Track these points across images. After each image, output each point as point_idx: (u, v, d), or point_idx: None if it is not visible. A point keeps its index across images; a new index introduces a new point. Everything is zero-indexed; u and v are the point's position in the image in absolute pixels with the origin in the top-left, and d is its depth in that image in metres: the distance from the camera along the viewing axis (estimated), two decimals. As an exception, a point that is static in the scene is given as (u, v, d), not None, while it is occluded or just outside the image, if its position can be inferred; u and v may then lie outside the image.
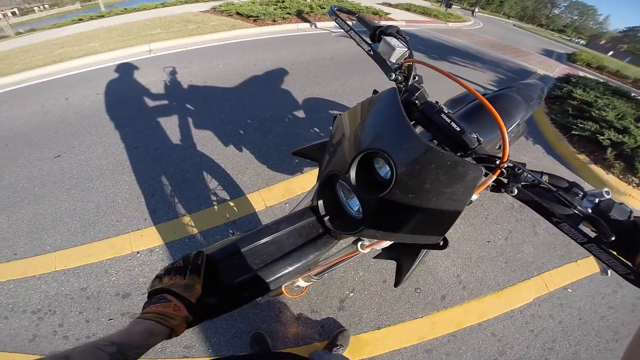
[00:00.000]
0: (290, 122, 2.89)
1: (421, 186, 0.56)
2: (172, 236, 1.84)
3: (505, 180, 0.61)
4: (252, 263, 0.67)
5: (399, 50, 0.84)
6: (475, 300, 1.75)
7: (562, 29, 77.63)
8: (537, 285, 1.90)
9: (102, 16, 10.53)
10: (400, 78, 0.82)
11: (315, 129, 2.80)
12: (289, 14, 7.83)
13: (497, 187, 0.63)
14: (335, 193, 0.75)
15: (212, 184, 2.18)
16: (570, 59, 11.40)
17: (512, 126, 1.23)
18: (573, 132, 3.36)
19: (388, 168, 0.60)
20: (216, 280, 0.63)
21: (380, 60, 0.84)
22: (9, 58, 5.22)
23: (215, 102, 3.23)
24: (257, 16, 7.20)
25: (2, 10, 32.52)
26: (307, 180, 2.29)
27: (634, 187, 2.89)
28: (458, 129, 0.64)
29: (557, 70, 8.23)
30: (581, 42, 44.79)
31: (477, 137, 0.64)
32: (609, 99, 4.16)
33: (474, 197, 0.64)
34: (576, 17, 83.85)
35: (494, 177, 0.61)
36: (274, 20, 7.24)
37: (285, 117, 2.98)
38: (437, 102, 0.73)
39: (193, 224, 1.91)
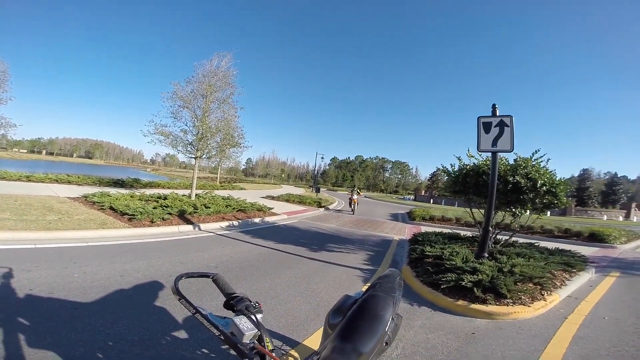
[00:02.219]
0: (170, 344, 2.30)
1: None
2: None
3: None
4: None
5: (249, 334, 0.87)
6: None
7: (396, 190, 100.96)
8: None
9: None
10: None
11: (204, 350, 2.26)
12: (170, 214, 7.24)
13: None
14: None
15: None
16: (410, 217, 14.84)
17: (388, 324, 1.32)
18: (442, 286, 3.87)
19: None
20: None
21: (233, 345, 0.86)
22: None
23: (64, 319, 2.43)
24: (133, 215, 6.48)
25: None
26: None
27: (512, 305, 3.49)
28: None
29: (406, 231, 10.44)
30: (411, 197, 57.14)
31: None
32: (451, 247, 5.23)
33: None
34: (400, 176, 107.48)
35: None
36: (152, 221, 6.52)
37: (163, 338, 2.37)
38: None
39: None
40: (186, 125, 10.53)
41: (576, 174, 60.35)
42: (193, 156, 10.74)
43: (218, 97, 10.78)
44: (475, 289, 3.63)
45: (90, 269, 3.66)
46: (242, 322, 0.89)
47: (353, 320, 1.30)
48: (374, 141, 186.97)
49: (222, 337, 0.87)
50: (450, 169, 6.15)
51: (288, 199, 17.06)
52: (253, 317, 0.93)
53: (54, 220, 5.45)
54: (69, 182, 10.80)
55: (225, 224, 7.88)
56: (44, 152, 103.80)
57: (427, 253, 5.18)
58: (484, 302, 3.54)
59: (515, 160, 5.42)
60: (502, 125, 4.44)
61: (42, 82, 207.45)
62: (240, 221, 8.45)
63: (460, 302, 3.58)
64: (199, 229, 7.04)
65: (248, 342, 0.87)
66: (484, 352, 2.64)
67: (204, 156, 11.04)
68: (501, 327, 3.17)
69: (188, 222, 7.21)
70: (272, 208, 11.35)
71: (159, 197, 8.94)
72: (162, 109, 10.42)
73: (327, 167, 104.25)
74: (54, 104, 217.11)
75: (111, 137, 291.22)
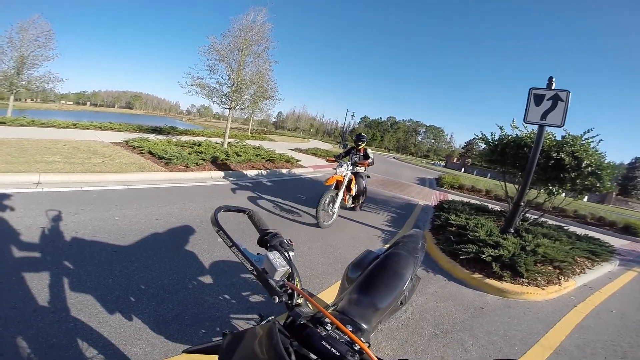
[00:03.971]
0: (195, 289, 2.55)
1: None
2: None
3: None
4: None
5: (281, 270, 0.88)
6: None
7: (427, 154, 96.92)
8: None
9: (4, 123, 9.10)
10: (285, 299, 0.85)
11: (225, 295, 2.51)
12: (204, 160, 7.57)
13: None
14: None
15: (90, 352, 1.70)
16: (438, 183, 14.53)
17: (407, 283, 1.36)
18: (461, 257, 3.92)
19: None
20: None
21: (264, 281, 0.87)
22: None
23: (103, 262, 2.70)
24: (170, 159, 6.82)
25: None
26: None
27: (526, 285, 3.50)
28: (337, 354, 0.71)
29: (433, 197, 10.30)
30: (441, 163, 54.92)
31: (359, 349, 0.72)
32: (476, 219, 5.17)
33: None
34: (433, 141, 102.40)
35: None
36: (186, 166, 6.87)
37: (190, 282, 2.62)
38: (319, 324, 0.80)
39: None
40: (222, 77, 10.84)
41: (627, 162, 54.13)
42: (227, 107, 11.15)
43: (253, 51, 10.89)
44: (493, 264, 3.65)
45: (129, 212, 3.95)
46: (275, 257, 0.89)
47: (373, 275, 1.33)
48: (408, 104, 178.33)
49: (255, 273, 0.89)
50: (489, 138, 5.90)
51: (315, 152, 17.19)
52: (286, 254, 0.95)
53: (98, 163, 5.86)
54: (112, 129, 11.43)
55: (254, 172, 8.21)
56: (88, 103, 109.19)
57: (451, 221, 5.18)
58: (499, 278, 3.56)
59: (563, 137, 5.06)
60: (556, 99, 4.11)
61: (86, 37, 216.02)
62: (268, 171, 8.78)
63: (476, 275, 3.64)
64: (230, 176, 7.43)
65: (279, 279, 0.88)
66: (488, 327, 2.74)
67: (237, 107, 11.49)
68: (510, 305, 3.22)
69: (220, 168, 7.56)
70: (300, 160, 11.58)
71: (194, 144, 9.32)
72: (198, 62, 10.79)
73: (357, 126, 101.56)
74: (97, 59, 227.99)
75: (149, 89, 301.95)
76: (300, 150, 17.46)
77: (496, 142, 5.76)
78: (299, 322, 0.80)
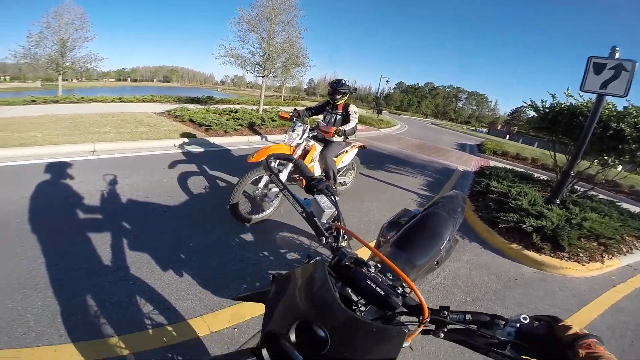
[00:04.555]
0: (238, 246, 2.73)
1: (354, 348, 0.63)
2: (95, 355, 1.57)
3: (433, 327, 0.71)
4: None
5: (328, 212, 0.91)
6: None
7: (468, 120, 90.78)
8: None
9: (57, 101, 10.13)
10: (331, 240, 0.89)
11: (265, 252, 2.67)
12: (241, 125, 7.96)
13: (427, 331, 0.72)
14: (280, 344, 0.74)
15: (147, 307, 1.92)
16: (480, 149, 13.72)
17: (444, 243, 1.32)
18: (500, 225, 3.77)
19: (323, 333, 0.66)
20: None
21: (312, 223, 0.92)
22: None
23: (156, 221, 2.96)
24: (210, 126, 7.23)
25: None
26: (259, 305, 2.11)
27: (566, 260, 3.31)
28: (382, 292, 0.72)
29: (473, 163, 9.79)
30: (484, 130, 52.22)
31: (402, 292, 0.74)
32: (520, 187, 4.90)
33: (406, 344, 0.70)
34: (475, 107, 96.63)
35: (419, 330, 0.70)
36: (225, 131, 7.23)
37: (233, 240, 2.82)
38: (363, 265, 0.81)
39: (123, 345, 1.64)
40: (253, 47, 11.15)
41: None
42: (261, 75, 11.47)
43: (282, 20, 11.01)
44: (534, 235, 3.46)
45: (176, 174, 4.26)
46: (323, 200, 0.93)
47: (411, 233, 1.32)
48: (448, 70, 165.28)
49: (304, 215, 0.94)
50: (540, 105, 5.52)
51: None
52: (332, 198, 0.98)
53: (145, 131, 6.31)
54: (154, 101, 12.06)
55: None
56: (128, 79, 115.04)
57: (492, 188, 4.94)
58: (538, 250, 3.39)
59: (625, 108, 4.62)
60: (619, 69, 3.74)
61: (123, 17, 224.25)
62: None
63: (514, 245, 3.49)
64: (266, 140, 7.71)
65: (325, 221, 0.92)
66: (520, 299, 2.67)
67: (270, 75, 11.75)
68: (546, 279, 3.09)
69: (256, 133, 7.92)
70: None
71: (231, 112, 9.66)
72: (230, 34, 11.30)
73: (392, 91, 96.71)
74: (133, 37, 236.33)
75: (184, 62, 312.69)
76: None
77: (547, 110, 5.42)
78: (343, 262, 0.82)
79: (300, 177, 2.96)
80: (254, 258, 2.59)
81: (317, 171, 3.58)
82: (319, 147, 3.55)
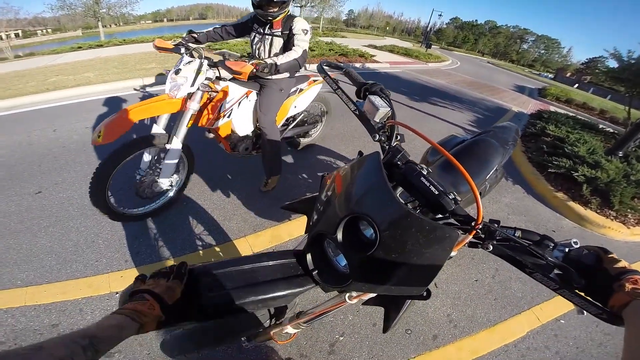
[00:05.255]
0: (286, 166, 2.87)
1: (403, 247, 0.61)
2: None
3: (482, 236, 0.67)
4: (227, 284, 0.74)
5: (382, 110, 0.89)
6: (467, 338, 1.73)
7: (532, 64, 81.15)
8: (529, 319, 1.91)
9: (101, 45, 10.66)
10: (383, 138, 0.88)
11: (304, 175, 2.76)
12: None
13: (474, 243, 0.69)
14: (323, 249, 0.78)
15: (198, 229, 2.15)
16: (541, 94, 12.23)
17: (490, 172, 1.28)
18: (549, 170, 3.51)
19: (372, 230, 0.63)
20: (194, 291, 0.70)
21: (365, 120, 0.91)
22: (2, 82, 5.19)
23: (208, 144, 3.02)
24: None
25: (6, 32, 32.60)
26: (295, 227, 2.28)
27: (611, 219, 3.02)
28: (436, 192, 0.70)
29: (530, 106, 8.81)
30: (549, 75, 47.12)
31: (454, 198, 0.71)
32: (580, 134, 4.44)
33: (453, 253, 0.68)
34: (543, 51, 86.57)
35: (470, 237, 0.67)
36: None
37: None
38: (417, 165, 0.78)
39: (178, 267, 1.88)
40: None
41: None
42: (298, 5, 10.87)
43: None
44: (584, 186, 3.17)
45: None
46: (377, 100, 0.91)
47: (457, 157, 1.27)
48: (516, 8, 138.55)
49: (357, 112, 0.93)
50: (626, 56, 5.05)
51: (392, 49, 15.68)
52: (387, 98, 0.95)
53: (152, 67, 6.37)
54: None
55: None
56: (165, 20, 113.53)
57: (548, 132, 4.55)
58: (585, 203, 3.12)
59: None
60: None
61: None
62: (341, 64, 8.57)
63: (559, 194, 3.25)
64: (305, 69, 7.42)
65: (378, 120, 0.91)
66: None
67: (307, 4, 10.91)
68: (584, 237, 2.88)
69: None
70: (374, 56, 11.03)
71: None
72: None
73: (445, 26, 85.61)
74: None
75: None
76: (375, 47, 16.03)
77: (633, 61, 4.95)
78: (396, 160, 0.79)
79: (259, 150, 2.46)
80: (292, 179, 2.73)
81: (245, 130, 2.32)
82: (238, 90, 2.15)
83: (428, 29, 36.80)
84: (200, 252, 1.99)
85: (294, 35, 2.12)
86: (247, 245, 2.08)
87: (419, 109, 5.30)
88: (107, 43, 11.04)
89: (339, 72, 1.17)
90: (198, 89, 1.89)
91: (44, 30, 64.20)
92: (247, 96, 2.22)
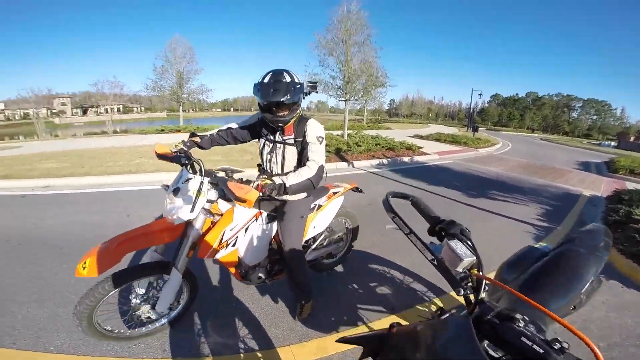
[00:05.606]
0: (328, 276, 2.73)
1: None
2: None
3: None
4: None
5: (467, 260, 0.79)
6: None
7: (588, 133, 75.68)
8: None
9: (179, 131, 12.80)
10: (469, 292, 0.80)
11: (354, 285, 2.61)
12: (328, 152, 8.00)
13: None
14: None
15: (243, 331, 2.07)
16: (611, 168, 11.03)
17: (586, 286, 1.10)
18: (650, 261, 2.92)
19: None
20: None
21: (445, 271, 0.83)
22: (98, 158, 6.26)
23: None
24: None
25: (111, 106, 38.54)
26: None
27: None
28: (541, 351, 0.61)
29: (603, 186, 7.92)
30: (611, 143, 42.99)
31: (560, 347, 0.62)
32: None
33: None
34: (595, 117, 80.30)
35: None
36: None
37: (324, 270, 2.78)
38: (515, 321, 0.69)
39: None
40: (333, 71, 11.43)
41: None
42: (343, 99, 11.72)
43: (357, 41, 11.07)
44: None
45: None
46: (458, 246, 0.81)
47: (542, 275, 1.16)
48: (553, 75, 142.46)
49: (435, 262, 0.85)
50: None
51: (439, 138, 15.82)
52: (468, 242, 0.85)
53: (248, 159, 7.29)
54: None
55: (375, 162, 8.35)
56: (231, 109, 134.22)
57: (636, 217, 3.92)
58: None
59: None
60: None
61: (225, 52, 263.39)
62: (389, 159, 8.74)
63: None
64: (352, 166, 7.73)
65: (461, 270, 0.81)
66: None
67: (351, 98, 11.91)
68: None
69: (343, 159, 8.07)
70: (422, 147, 11.02)
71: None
72: (311, 59, 11.76)
73: (487, 105, 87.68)
74: (233, 70, 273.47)
75: None
76: (421, 137, 16.47)
77: None
78: (489, 317, 0.72)
79: (276, 277, 2.16)
80: (342, 289, 2.57)
81: (256, 259, 2.00)
82: (244, 214, 1.82)
83: (471, 110, 37.76)
84: (242, 355, 1.88)
85: (307, 144, 1.84)
86: (291, 354, 1.91)
87: (477, 206, 5.00)
88: (184, 129, 13.22)
89: (407, 201, 1.12)
90: (197, 212, 1.60)
91: (139, 108, 77.85)
92: (255, 219, 1.90)
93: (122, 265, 1.67)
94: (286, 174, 1.79)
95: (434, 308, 2.34)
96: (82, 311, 1.56)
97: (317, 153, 1.81)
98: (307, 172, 1.76)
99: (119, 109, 65.51)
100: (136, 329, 1.87)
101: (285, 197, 1.85)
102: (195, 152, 1.90)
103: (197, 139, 1.94)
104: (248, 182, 1.60)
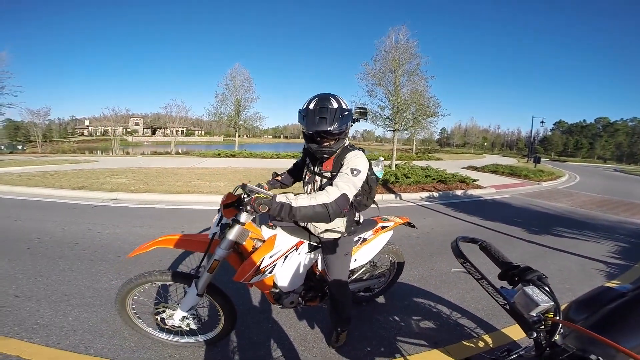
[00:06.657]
0: (369, 306, 2.60)
1: None
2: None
3: None
4: None
5: (544, 306, 0.77)
6: None
7: None
8: None
9: (234, 155, 13.93)
10: (542, 335, 0.79)
11: (395, 317, 2.45)
12: None
13: None
14: None
15: (276, 353, 2.03)
16: None
17: None
18: None
19: None
20: None
21: (518, 316, 0.82)
22: (160, 176, 6.91)
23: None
24: None
25: (177, 128, 41.44)
26: None
27: None
28: None
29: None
30: None
31: None
32: None
33: None
34: None
35: None
36: None
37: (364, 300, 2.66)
38: (589, 358, 0.68)
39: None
40: (381, 101, 11.33)
41: None
42: (392, 129, 11.53)
43: (406, 70, 10.92)
44: None
45: None
46: (535, 293, 0.80)
47: (619, 314, 1.01)
48: (627, 98, 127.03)
49: (507, 307, 0.85)
50: None
51: (495, 170, 14.55)
52: (547, 288, 0.84)
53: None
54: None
55: (425, 194, 7.91)
56: (281, 136, 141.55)
57: None
58: None
59: None
60: None
61: (277, 80, 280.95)
62: (440, 192, 8.21)
63: None
64: (400, 199, 7.41)
65: (534, 314, 0.80)
66: None
67: (401, 128, 11.64)
68: None
69: (390, 191, 7.78)
70: (477, 180, 10.20)
71: (365, 167, 10.28)
72: (359, 89, 11.97)
73: (549, 133, 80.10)
74: (283, 98, 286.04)
75: None
76: (475, 168, 15.45)
77: None
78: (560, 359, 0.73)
79: (308, 303, 2.08)
80: (382, 320, 2.42)
81: (292, 286, 1.92)
82: (286, 240, 1.81)
83: (532, 139, 34.78)
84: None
85: (339, 173, 1.60)
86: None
87: (541, 243, 4.47)
88: (238, 154, 14.36)
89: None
90: (225, 235, 1.59)
91: (199, 132, 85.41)
92: (296, 248, 1.83)
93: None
94: (298, 194, 1.52)
95: (481, 344, 2.15)
96: (120, 292, 1.78)
97: (344, 182, 1.52)
98: (323, 198, 1.45)
99: (182, 132, 71.86)
100: (163, 334, 1.97)
101: (323, 235, 1.80)
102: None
103: (279, 177, 2.26)
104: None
